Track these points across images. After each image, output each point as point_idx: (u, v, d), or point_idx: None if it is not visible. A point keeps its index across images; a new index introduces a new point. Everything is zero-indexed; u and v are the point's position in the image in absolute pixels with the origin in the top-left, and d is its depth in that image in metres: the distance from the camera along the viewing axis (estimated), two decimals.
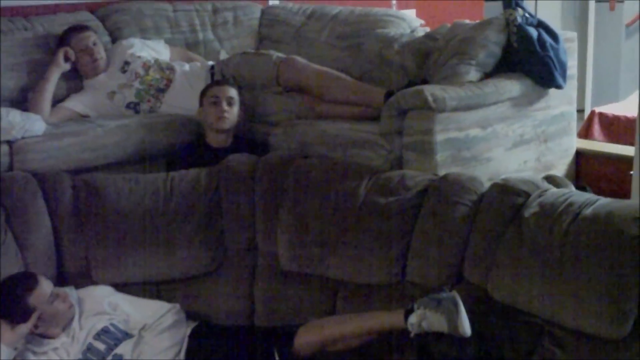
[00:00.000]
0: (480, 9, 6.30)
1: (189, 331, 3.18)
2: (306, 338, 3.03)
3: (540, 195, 2.88)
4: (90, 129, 3.88)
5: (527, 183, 2.97)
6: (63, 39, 4.22)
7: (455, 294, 2.75)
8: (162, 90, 4.25)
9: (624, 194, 3.85)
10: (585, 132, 5.77)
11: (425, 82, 3.78)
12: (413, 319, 2.76)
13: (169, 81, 4.27)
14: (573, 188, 3.14)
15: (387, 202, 3.12)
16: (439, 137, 3.46)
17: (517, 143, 3.84)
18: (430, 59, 4.04)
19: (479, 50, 3.74)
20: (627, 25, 7.66)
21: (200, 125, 3.95)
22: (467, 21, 4.16)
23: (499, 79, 3.75)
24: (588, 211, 2.69)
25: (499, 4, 3.91)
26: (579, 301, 2.56)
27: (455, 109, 3.49)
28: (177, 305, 3.23)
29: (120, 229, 3.36)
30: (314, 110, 4.01)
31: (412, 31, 4.55)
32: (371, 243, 3.10)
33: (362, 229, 3.13)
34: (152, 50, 4.46)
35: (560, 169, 4.15)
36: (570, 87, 4.04)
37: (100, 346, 3.07)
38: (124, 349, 3.07)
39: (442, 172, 3.32)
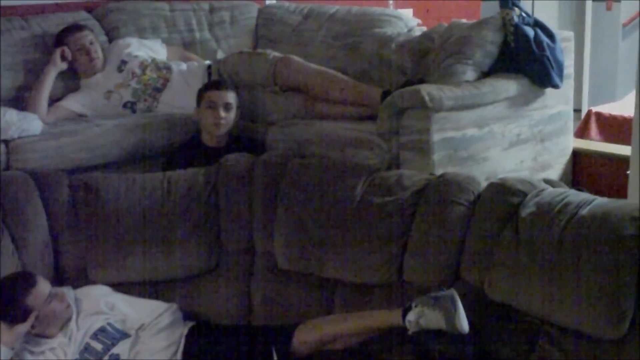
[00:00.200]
0: (477, 8, 6.30)
1: (186, 331, 3.18)
2: (304, 337, 3.03)
3: (537, 195, 2.88)
4: (87, 129, 3.89)
5: (524, 183, 2.97)
6: (60, 39, 4.23)
7: (453, 291, 2.75)
8: (159, 90, 4.25)
9: (621, 193, 3.85)
10: (582, 132, 5.77)
11: (422, 81, 3.78)
12: (411, 316, 2.77)
13: (166, 80, 4.27)
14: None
15: (384, 202, 3.12)
16: (436, 136, 3.47)
17: (514, 143, 3.84)
18: (427, 59, 4.04)
19: (475, 50, 3.74)
20: (624, 25, 7.67)
21: (197, 125, 3.95)
22: (464, 21, 4.16)
23: (495, 78, 3.76)
24: (585, 211, 2.69)
25: (496, 4, 3.91)
26: (576, 301, 2.56)
27: (452, 109, 3.49)
28: (175, 305, 3.23)
29: (118, 228, 3.35)
30: (311, 110, 4.01)
31: (409, 30, 4.55)
32: (368, 243, 3.10)
33: (359, 229, 3.13)
34: (149, 49, 4.46)
35: (557, 169, 4.16)
36: (567, 86, 4.05)
37: (98, 346, 3.07)
38: (121, 348, 3.07)
39: (439, 172, 3.32)
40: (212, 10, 4.96)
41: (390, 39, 4.33)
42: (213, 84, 3.95)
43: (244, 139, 3.95)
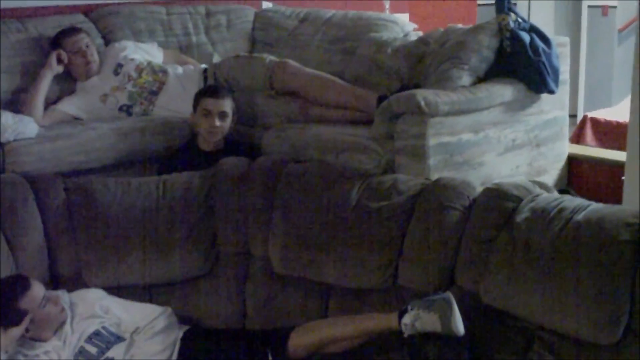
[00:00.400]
0: (473, 13, 6.31)
1: (181, 334, 3.18)
2: (300, 340, 3.03)
3: (532, 200, 2.88)
4: (83, 132, 3.88)
5: (519, 188, 2.98)
6: (56, 41, 4.22)
7: (449, 294, 2.76)
8: (154, 93, 4.25)
9: (616, 199, 3.86)
10: (578, 137, 5.78)
11: (417, 86, 3.78)
12: (407, 319, 2.77)
13: (162, 84, 4.27)
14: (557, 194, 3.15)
15: (379, 206, 3.13)
16: (432, 141, 3.47)
17: (510, 148, 3.84)
18: (423, 63, 4.04)
19: (471, 55, 3.75)
20: (620, 31, 7.68)
21: (193, 129, 3.94)
22: (460, 25, 4.16)
23: (491, 83, 3.76)
24: (580, 216, 2.70)
25: (492, 9, 3.91)
26: (571, 306, 2.57)
27: (448, 114, 3.49)
28: (169, 309, 3.23)
29: (113, 232, 3.35)
30: (307, 114, 4.01)
31: (405, 35, 4.56)
32: (363, 247, 3.10)
33: (354, 233, 3.13)
34: (145, 53, 4.46)
35: (552, 174, 4.16)
36: (563, 92, 4.05)
37: (92, 349, 3.06)
38: (115, 352, 3.06)
39: (434, 177, 3.33)
40: (208, 13, 4.96)
41: (386, 43, 4.33)
42: (209, 91, 3.92)
43: (240, 142, 3.95)
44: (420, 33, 4.56)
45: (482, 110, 3.65)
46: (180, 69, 4.39)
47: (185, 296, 3.37)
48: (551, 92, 3.88)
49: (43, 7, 4.50)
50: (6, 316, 2.96)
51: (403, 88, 3.74)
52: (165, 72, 4.32)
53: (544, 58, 3.79)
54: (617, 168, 4.07)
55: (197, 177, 3.49)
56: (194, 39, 4.83)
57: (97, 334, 3.09)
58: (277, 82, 4.10)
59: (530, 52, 3.77)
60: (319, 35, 4.70)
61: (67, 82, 4.28)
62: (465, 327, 2.71)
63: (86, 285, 3.32)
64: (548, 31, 4.00)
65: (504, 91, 3.74)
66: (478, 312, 2.81)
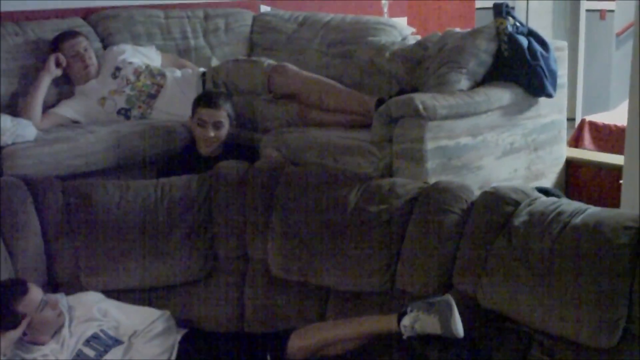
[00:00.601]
0: (471, 17, 6.32)
1: (179, 338, 3.18)
2: (299, 343, 3.03)
3: (530, 204, 2.88)
4: (81, 135, 3.88)
5: (517, 192, 2.98)
6: (54, 45, 4.22)
7: (449, 296, 2.76)
8: (153, 96, 4.25)
9: (614, 203, 3.86)
10: (576, 141, 5.79)
11: (415, 90, 3.79)
12: (406, 321, 2.77)
13: (160, 87, 4.27)
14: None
15: (377, 210, 3.13)
16: (430, 145, 3.47)
17: (508, 151, 3.85)
18: (421, 67, 4.05)
19: (469, 59, 3.75)
20: (618, 35, 7.69)
21: (191, 132, 3.94)
22: (458, 29, 4.17)
23: (489, 87, 3.76)
24: (577, 220, 2.70)
25: (490, 13, 3.92)
26: (568, 310, 2.57)
27: (446, 117, 3.50)
28: (168, 312, 3.23)
29: (111, 235, 3.35)
30: (305, 118, 4.02)
31: (403, 39, 4.56)
32: (361, 250, 3.10)
33: (352, 237, 3.13)
34: (143, 56, 4.46)
35: (550, 178, 4.16)
36: (561, 95, 4.06)
37: (90, 352, 3.06)
38: (113, 355, 3.06)
39: (432, 180, 3.33)
40: (206, 17, 4.96)
41: (384, 47, 4.34)
42: (205, 100, 3.87)
43: (239, 146, 3.95)
44: (419, 37, 4.56)
45: (480, 114, 3.65)
46: (178, 73, 4.39)
47: (184, 299, 3.37)
48: (549, 95, 3.88)
49: (42, 11, 4.50)
50: (4, 319, 2.97)
51: (401, 92, 3.74)
52: (163, 75, 4.32)
53: (541, 62, 3.79)
54: (615, 172, 4.07)
55: (196, 180, 3.49)
56: (192, 42, 4.83)
57: (95, 337, 3.09)
58: (275, 86, 4.10)
59: (528, 56, 3.77)
60: (317, 39, 4.70)
61: (65, 85, 4.28)
62: (464, 329, 2.71)
63: (84, 289, 3.32)
64: (546, 35, 4.00)
65: (502, 95, 3.74)
66: (476, 315, 2.81)
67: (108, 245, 3.34)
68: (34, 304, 3.01)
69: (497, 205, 2.92)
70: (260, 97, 4.12)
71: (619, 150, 4.49)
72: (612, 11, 7.68)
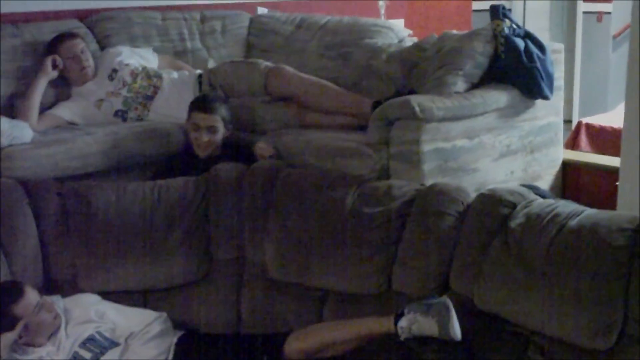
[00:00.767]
0: (468, 19, 6.33)
1: (175, 340, 3.17)
2: (296, 345, 3.03)
3: (526, 206, 2.88)
4: (78, 137, 3.87)
5: (513, 194, 2.98)
6: (51, 47, 4.21)
7: (446, 298, 2.76)
8: (149, 98, 4.25)
9: (611, 205, 3.86)
10: (572, 143, 5.79)
11: (412, 92, 3.79)
12: (403, 322, 2.77)
13: (157, 89, 4.27)
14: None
15: (373, 212, 3.13)
16: (426, 147, 3.47)
17: (504, 153, 3.85)
18: (418, 69, 4.05)
19: (466, 61, 3.75)
20: (615, 37, 7.70)
21: (188, 134, 3.94)
22: (455, 32, 4.17)
23: (486, 89, 3.77)
24: (574, 222, 2.70)
25: (487, 15, 3.92)
26: (565, 312, 2.57)
27: (442, 120, 3.50)
28: (164, 314, 3.23)
29: (107, 237, 3.35)
30: (302, 120, 4.02)
31: (400, 41, 4.56)
32: (358, 252, 3.11)
33: (348, 239, 3.14)
34: (140, 58, 4.45)
35: (546, 180, 4.17)
36: (557, 98, 4.06)
37: (86, 354, 3.06)
38: (110, 357, 3.06)
39: (428, 182, 3.33)
40: (203, 19, 4.96)
41: (381, 49, 4.34)
42: (199, 104, 3.84)
43: (236, 148, 3.94)
44: (415, 39, 4.57)
45: (476, 116, 3.66)
46: (175, 74, 4.38)
47: (181, 301, 3.37)
48: (545, 98, 3.89)
49: (39, 12, 4.49)
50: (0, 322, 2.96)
51: (398, 94, 3.75)
52: (160, 77, 4.32)
53: (538, 64, 3.80)
54: (612, 174, 4.07)
55: (193, 182, 3.49)
56: (188, 44, 4.82)
57: (91, 339, 3.09)
58: (272, 88, 4.10)
59: (524, 59, 3.78)
60: (314, 41, 4.70)
61: (63, 87, 4.27)
62: (461, 331, 2.71)
63: (81, 290, 3.32)
64: (543, 37, 4.01)
65: (499, 97, 3.75)
66: (472, 317, 2.81)
67: (105, 247, 3.34)
68: (29, 307, 3.01)
69: (494, 208, 2.92)
70: (257, 99, 4.12)
71: (615, 153, 4.49)
72: (608, 13, 7.69)
